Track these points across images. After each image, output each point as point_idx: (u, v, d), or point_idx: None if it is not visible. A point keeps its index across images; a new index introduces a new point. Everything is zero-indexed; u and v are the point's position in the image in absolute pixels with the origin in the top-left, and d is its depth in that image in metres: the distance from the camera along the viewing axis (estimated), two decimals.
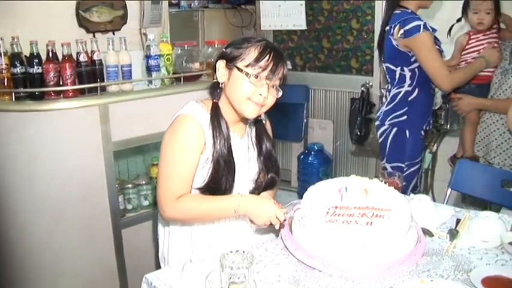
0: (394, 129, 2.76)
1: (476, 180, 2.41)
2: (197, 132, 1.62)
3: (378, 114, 2.89)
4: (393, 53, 2.69)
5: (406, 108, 2.72)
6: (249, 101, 1.62)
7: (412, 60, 2.64)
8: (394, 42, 2.63)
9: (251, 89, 1.60)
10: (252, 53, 1.60)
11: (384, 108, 2.83)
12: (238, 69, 1.60)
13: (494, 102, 2.71)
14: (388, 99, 2.80)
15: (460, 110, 2.90)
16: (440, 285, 1.34)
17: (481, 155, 2.82)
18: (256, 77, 1.59)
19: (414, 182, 2.81)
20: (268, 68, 1.59)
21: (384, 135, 2.81)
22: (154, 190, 2.69)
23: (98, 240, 2.41)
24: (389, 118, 2.77)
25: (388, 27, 2.67)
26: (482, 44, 2.81)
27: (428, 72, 2.63)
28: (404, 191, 2.10)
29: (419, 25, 2.53)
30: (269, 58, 1.60)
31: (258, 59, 1.59)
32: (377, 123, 2.88)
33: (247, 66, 1.59)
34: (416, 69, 2.66)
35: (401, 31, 2.57)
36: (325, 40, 4.22)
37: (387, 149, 2.81)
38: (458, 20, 2.91)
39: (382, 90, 2.96)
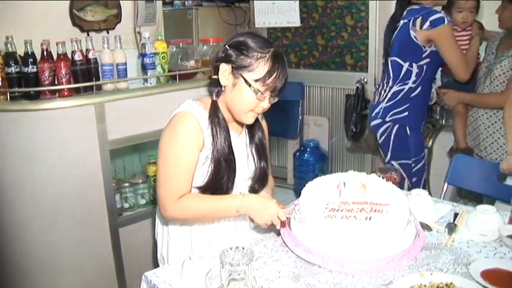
0: (396, 126, 2.77)
1: (473, 175, 2.44)
2: (195, 130, 1.60)
3: (376, 111, 2.86)
4: (406, 47, 2.70)
5: (407, 105, 2.74)
6: (251, 112, 1.63)
7: (424, 55, 2.66)
8: (413, 34, 2.63)
9: (255, 104, 1.60)
10: (261, 67, 1.56)
11: (383, 105, 2.81)
12: (247, 82, 1.57)
13: (473, 96, 2.81)
14: (389, 96, 2.80)
15: (446, 104, 2.99)
16: (439, 279, 1.35)
17: (472, 147, 2.87)
18: (263, 93, 1.58)
19: (424, 178, 2.84)
20: (276, 85, 1.58)
21: (386, 134, 2.82)
22: (151, 189, 2.69)
23: (95, 239, 2.40)
24: (389, 115, 2.78)
25: (405, 21, 2.68)
26: (464, 39, 2.88)
27: (450, 62, 2.68)
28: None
29: (443, 17, 2.58)
30: (277, 74, 1.57)
31: (267, 77, 1.56)
32: (376, 121, 2.85)
33: (256, 80, 1.56)
34: (424, 66, 2.68)
35: (427, 23, 2.58)
36: (320, 37, 4.22)
37: (391, 147, 2.82)
38: None
39: (377, 86, 2.98)
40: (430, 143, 3.55)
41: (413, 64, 2.69)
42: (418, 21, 2.61)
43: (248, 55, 1.57)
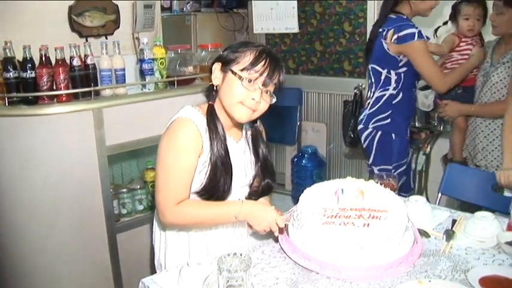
0: (379, 133, 2.78)
1: (467, 185, 2.41)
2: (195, 136, 1.60)
3: (361, 117, 2.89)
4: (382, 56, 2.70)
5: (390, 112, 2.75)
6: (241, 105, 1.61)
7: (400, 64, 2.67)
8: (385, 46, 2.65)
9: (244, 93, 1.59)
10: (247, 57, 1.59)
11: (367, 112, 2.84)
12: (233, 72, 1.59)
13: (477, 107, 2.77)
14: (371, 102, 2.81)
15: (447, 116, 2.94)
16: (438, 286, 1.35)
17: (470, 158, 2.85)
18: (250, 81, 1.58)
19: (401, 182, 2.81)
20: (264, 74, 1.58)
21: (369, 139, 2.83)
22: (148, 194, 2.68)
23: (92, 245, 2.39)
24: (372, 121, 2.79)
25: (380, 30, 2.68)
26: (471, 50, 2.85)
27: (424, 76, 2.70)
28: None
29: (414, 33, 2.56)
30: (265, 63, 1.58)
31: (253, 64, 1.58)
32: (360, 126, 2.87)
33: (242, 70, 1.58)
34: (402, 74, 2.68)
35: (395, 36, 2.60)
36: (318, 43, 4.23)
37: (373, 153, 2.83)
38: (445, 23, 2.97)
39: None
40: (428, 149, 3.55)
41: (391, 71, 2.70)
42: (390, 33, 2.63)
43: (237, 50, 1.62)
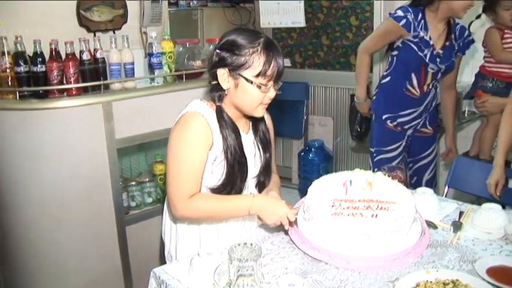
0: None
1: (474, 178, 2.41)
2: (205, 129, 1.62)
3: None
4: None
5: (377, 90, 2.84)
6: (260, 105, 1.64)
7: (394, 46, 2.70)
8: None
9: (262, 96, 1.62)
10: (257, 61, 1.57)
11: None
12: (247, 80, 1.59)
13: None
14: None
15: (486, 111, 2.85)
16: (445, 276, 1.36)
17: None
18: (266, 85, 1.60)
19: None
20: (275, 74, 1.60)
21: None
22: (157, 187, 2.71)
23: (102, 237, 2.42)
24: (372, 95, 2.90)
25: None
26: None
27: None
28: None
29: (395, 13, 2.59)
30: (274, 62, 1.58)
31: (265, 69, 1.57)
32: None
33: (256, 76, 1.58)
34: (395, 58, 2.71)
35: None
36: (325, 37, 4.24)
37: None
38: (478, 17, 2.85)
39: None
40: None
41: (390, 52, 2.76)
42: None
43: (241, 53, 1.58)
